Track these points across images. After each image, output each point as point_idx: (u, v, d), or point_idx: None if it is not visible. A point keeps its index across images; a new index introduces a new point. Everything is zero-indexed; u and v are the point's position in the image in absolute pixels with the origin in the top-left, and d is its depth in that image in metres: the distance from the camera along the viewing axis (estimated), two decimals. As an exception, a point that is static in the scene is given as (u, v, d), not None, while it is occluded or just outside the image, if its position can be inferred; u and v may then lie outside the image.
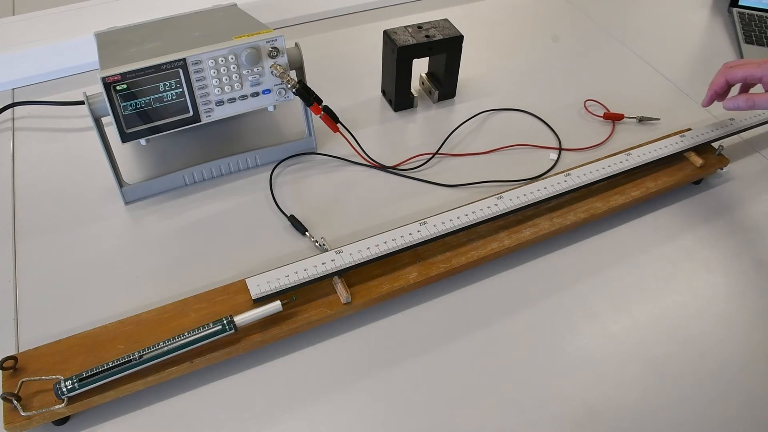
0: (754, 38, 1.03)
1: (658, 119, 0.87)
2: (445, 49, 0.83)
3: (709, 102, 0.74)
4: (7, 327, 0.61)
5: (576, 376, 0.58)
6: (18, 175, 0.77)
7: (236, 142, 0.81)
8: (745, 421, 0.52)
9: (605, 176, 0.72)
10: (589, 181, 0.71)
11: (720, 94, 0.73)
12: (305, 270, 0.60)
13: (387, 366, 0.59)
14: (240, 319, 0.56)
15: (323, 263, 0.60)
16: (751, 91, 0.71)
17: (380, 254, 0.62)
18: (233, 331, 0.55)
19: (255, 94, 0.72)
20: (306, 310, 0.59)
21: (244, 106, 0.72)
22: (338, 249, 0.62)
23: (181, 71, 0.66)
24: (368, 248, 0.62)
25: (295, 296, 0.59)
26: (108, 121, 0.65)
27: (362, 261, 0.61)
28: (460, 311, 0.64)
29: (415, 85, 0.90)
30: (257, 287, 0.58)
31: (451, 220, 0.65)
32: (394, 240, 0.63)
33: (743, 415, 0.55)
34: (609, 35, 1.07)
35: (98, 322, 0.59)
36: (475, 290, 0.66)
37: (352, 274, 0.62)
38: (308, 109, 0.73)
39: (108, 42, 0.75)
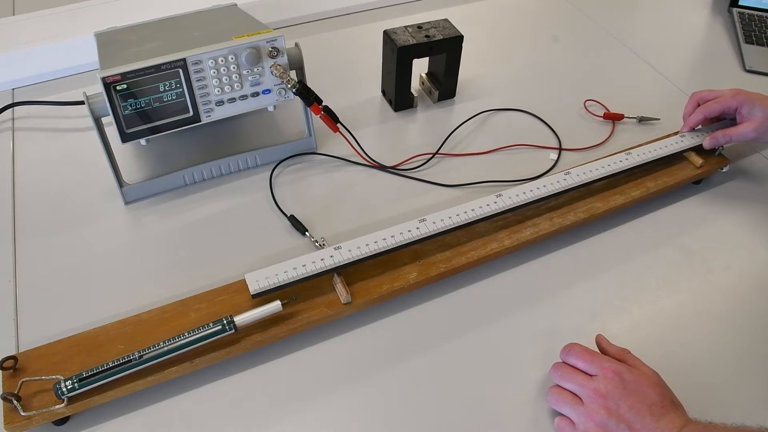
0: (754, 38, 1.03)
1: (658, 119, 0.87)
2: (445, 49, 0.83)
3: (688, 131, 0.78)
4: (7, 327, 0.61)
5: (576, 376, 0.58)
6: (18, 175, 0.77)
7: (236, 142, 0.81)
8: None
9: (605, 175, 0.71)
10: (589, 180, 0.71)
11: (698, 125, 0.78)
12: (304, 266, 0.60)
13: (387, 366, 0.59)
14: (240, 319, 0.56)
15: (322, 259, 0.60)
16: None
17: (379, 251, 0.61)
18: (233, 331, 0.55)
19: (255, 94, 0.72)
20: (306, 310, 0.59)
21: (244, 106, 0.72)
22: (337, 245, 0.62)
23: (181, 71, 0.66)
24: (367, 245, 0.62)
25: (295, 296, 0.59)
26: (108, 121, 0.65)
27: (361, 257, 0.61)
28: (460, 311, 0.64)
29: (415, 85, 0.90)
30: (256, 283, 0.58)
31: (450, 218, 0.65)
32: (393, 237, 0.63)
33: (744, 416, 0.55)
34: (609, 35, 1.07)
35: (98, 322, 0.59)
36: (475, 290, 0.66)
37: (352, 274, 0.62)
38: (308, 109, 0.73)
39: (108, 42, 0.75)
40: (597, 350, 0.58)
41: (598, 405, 0.51)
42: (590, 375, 0.53)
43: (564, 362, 0.56)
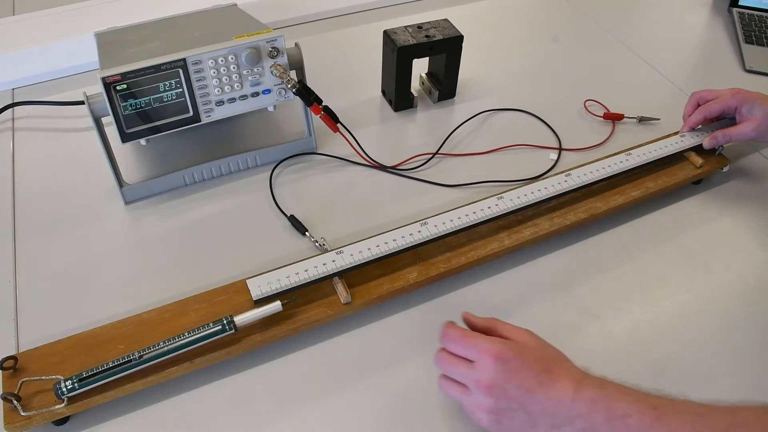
0: (754, 38, 1.03)
1: (658, 119, 0.87)
2: (445, 49, 0.83)
3: (688, 131, 0.78)
4: (7, 327, 0.61)
5: (576, 376, 0.58)
6: (18, 175, 0.77)
7: (236, 142, 0.81)
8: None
9: (605, 176, 0.72)
10: (589, 181, 0.71)
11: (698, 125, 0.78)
12: (306, 271, 0.60)
13: (387, 366, 0.59)
14: (240, 319, 0.56)
15: (324, 264, 0.60)
16: None
17: (381, 255, 0.61)
18: (233, 331, 0.55)
19: (255, 94, 0.72)
20: (306, 310, 0.59)
21: (244, 106, 0.72)
22: (339, 249, 0.62)
23: (181, 71, 0.66)
24: (369, 249, 0.62)
25: (295, 296, 0.59)
26: (108, 121, 0.66)
27: (363, 261, 0.61)
28: (460, 311, 0.64)
29: (415, 85, 0.90)
30: (258, 288, 0.58)
31: (451, 221, 0.65)
32: (395, 240, 0.63)
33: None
34: (609, 35, 1.07)
35: (98, 322, 0.59)
36: (474, 290, 0.66)
37: (353, 275, 0.62)
38: (308, 109, 0.73)
39: (108, 42, 0.75)
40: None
41: (484, 395, 0.49)
42: (471, 361, 0.51)
43: (444, 349, 0.53)
